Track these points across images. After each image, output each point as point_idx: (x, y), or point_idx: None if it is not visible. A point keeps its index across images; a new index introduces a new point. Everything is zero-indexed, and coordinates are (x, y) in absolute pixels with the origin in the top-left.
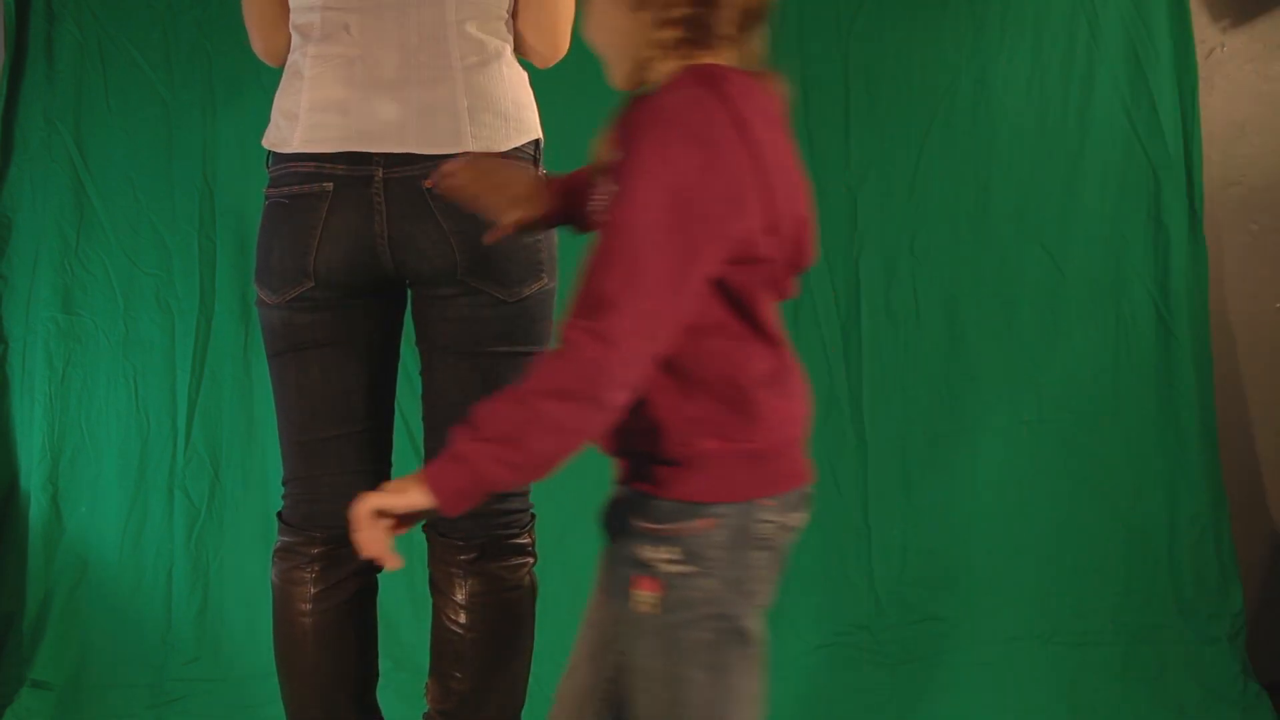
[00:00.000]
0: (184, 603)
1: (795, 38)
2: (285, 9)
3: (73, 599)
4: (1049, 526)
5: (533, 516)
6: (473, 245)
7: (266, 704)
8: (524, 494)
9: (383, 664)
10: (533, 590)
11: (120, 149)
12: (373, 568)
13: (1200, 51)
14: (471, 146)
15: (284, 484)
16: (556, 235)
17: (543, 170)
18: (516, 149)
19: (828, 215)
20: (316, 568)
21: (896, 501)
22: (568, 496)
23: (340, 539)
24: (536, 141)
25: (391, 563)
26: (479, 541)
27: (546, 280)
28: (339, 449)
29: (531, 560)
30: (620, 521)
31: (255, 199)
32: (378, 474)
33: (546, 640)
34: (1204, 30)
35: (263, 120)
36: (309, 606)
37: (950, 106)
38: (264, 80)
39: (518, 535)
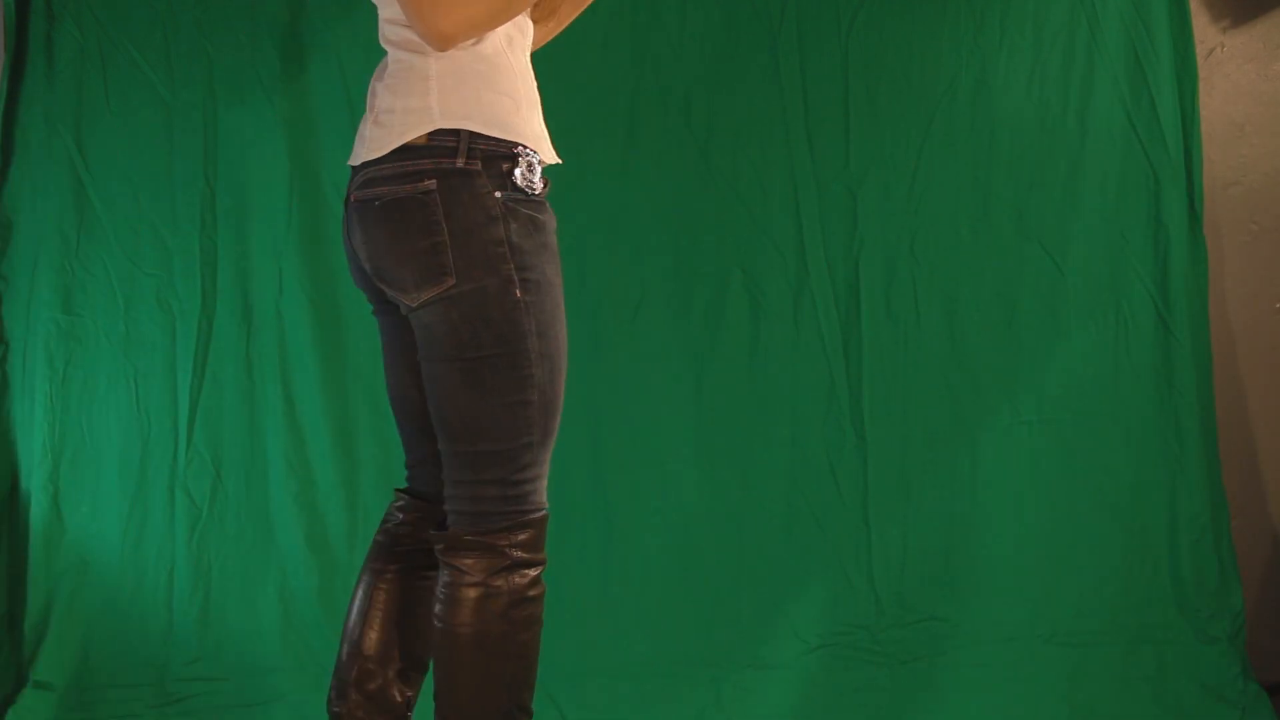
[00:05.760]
0: (185, 603)
1: (795, 37)
2: None
3: (74, 599)
4: (1049, 526)
5: (525, 522)
6: (373, 253)
7: (267, 702)
8: (503, 497)
9: None
10: (511, 594)
11: (120, 149)
12: (424, 564)
13: (1200, 51)
14: (364, 156)
15: None
16: (496, 233)
17: (465, 162)
18: (403, 147)
19: (828, 215)
20: (399, 531)
21: (896, 501)
22: (566, 497)
23: (424, 511)
24: (455, 132)
25: None
26: (448, 533)
27: (452, 282)
28: (416, 443)
29: (505, 562)
30: None
31: (256, 199)
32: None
33: (545, 639)
34: (1204, 30)
35: (262, 120)
36: (376, 562)
37: (950, 106)
38: (264, 80)
39: (488, 533)
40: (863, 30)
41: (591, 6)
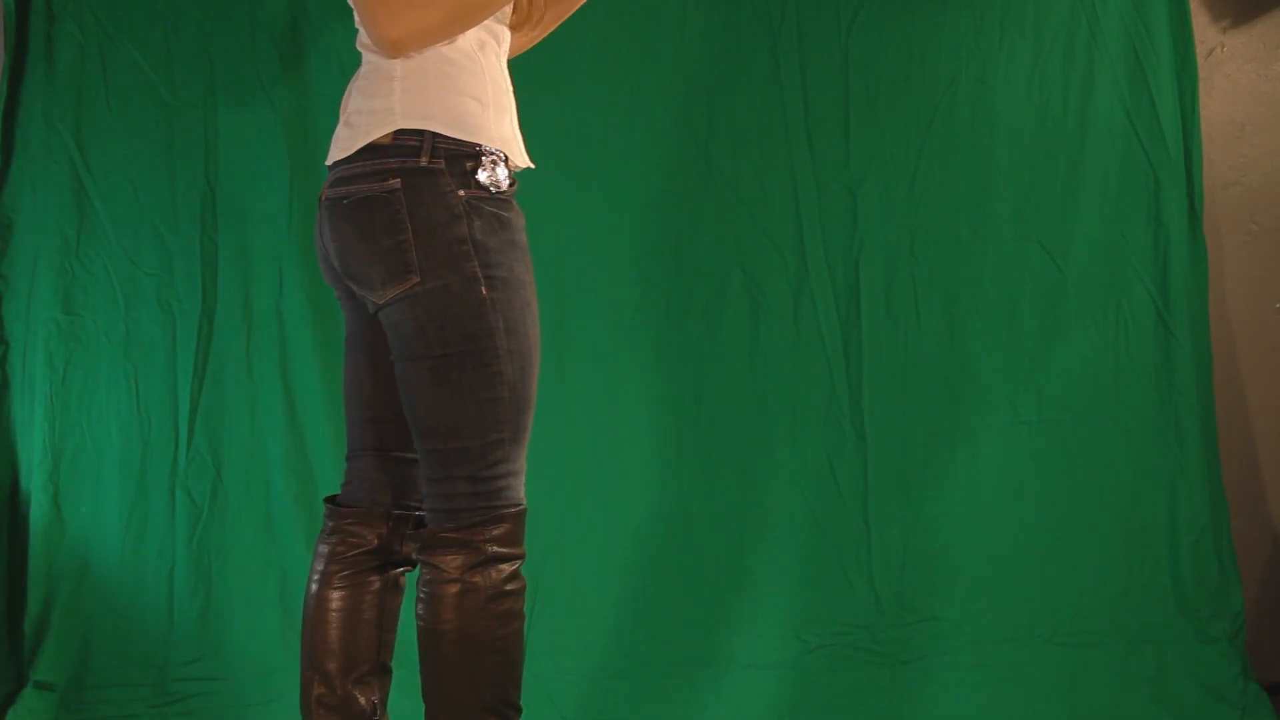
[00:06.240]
0: (186, 603)
1: (795, 37)
2: None
3: (74, 599)
4: (1049, 526)
5: (499, 517)
6: (341, 250)
7: (268, 702)
8: (474, 493)
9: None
10: (489, 589)
11: (120, 149)
12: (387, 555)
13: (1200, 51)
14: (335, 156)
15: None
16: (459, 231)
17: (428, 161)
18: (370, 146)
19: (828, 215)
20: (333, 540)
21: (896, 501)
22: (566, 497)
23: (353, 516)
24: (419, 132)
25: None
26: (423, 531)
27: (417, 280)
28: (360, 432)
29: (481, 557)
30: None
31: (257, 199)
32: (400, 459)
33: (545, 639)
34: (1204, 30)
35: (262, 120)
36: (316, 574)
37: (950, 106)
38: (265, 81)
39: (463, 529)
40: (863, 30)
41: (591, 6)
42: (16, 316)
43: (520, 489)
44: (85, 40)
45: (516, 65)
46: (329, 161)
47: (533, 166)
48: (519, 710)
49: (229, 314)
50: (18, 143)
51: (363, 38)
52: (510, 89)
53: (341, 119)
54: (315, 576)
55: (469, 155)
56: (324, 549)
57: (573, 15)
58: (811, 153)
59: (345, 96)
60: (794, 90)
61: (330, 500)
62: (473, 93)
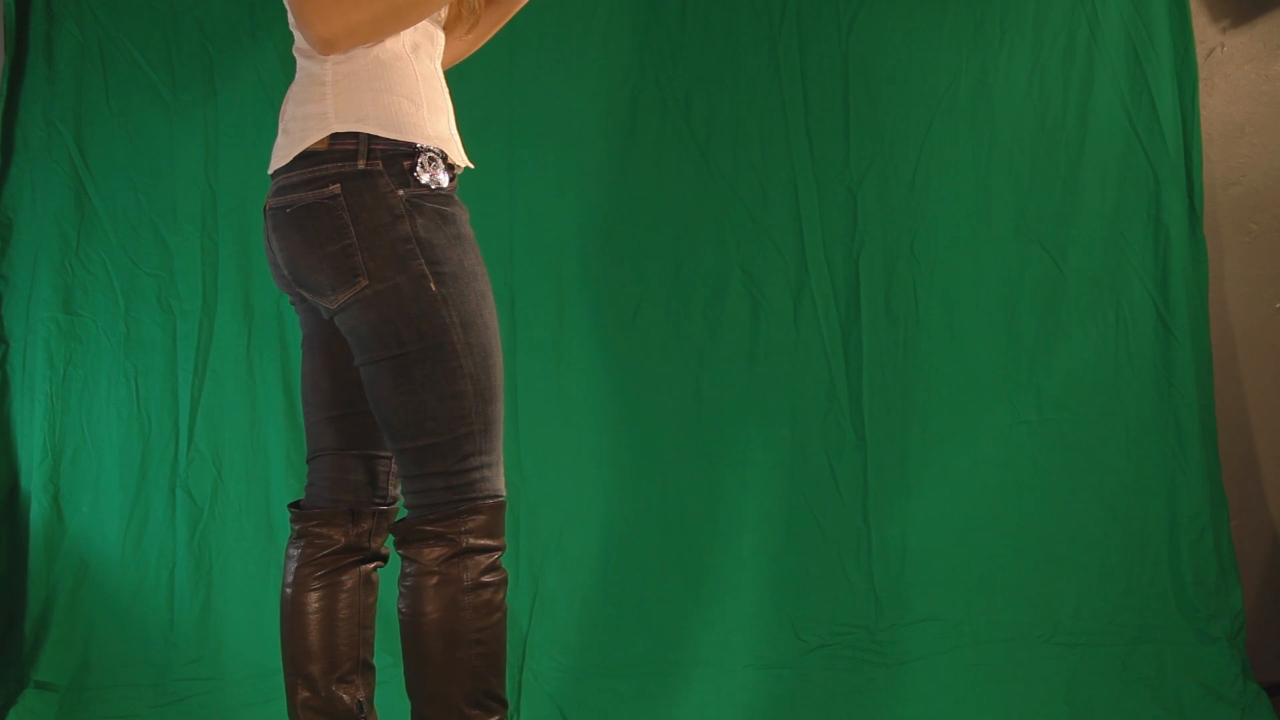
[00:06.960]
0: (186, 602)
1: (795, 37)
2: None
3: (75, 599)
4: (1049, 527)
5: (475, 509)
6: (290, 259)
7: (269, 702)
8: (449, 487)
9: (383, 659)
10: (468, 581)
11: (121, 149)
12: (357, 553)
13: (1200, 51)
14: (275, 164)
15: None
16: (402, 230)
17: (365, 164)
18: (307, 153)
19: (828, 215)
20: (301, 544)
21: (896, 501)
22: (566, 497)
23: (318, 518)
24: (354, 135)
25: None
26: (401, 524)
27: (366, 283)
28: (319, 433)
29: (458, 549)
30: None
31: (257, 199)
32: (361, 457)
33: (545, 638)
34: (1204, 30)
35: (263, 121)
36: (290, 579)
37: (950, 106)
38: (265, 81)
39: (439, 521)
40: (863, 30)
41: (591, 5)
42: (16, 316)
43: (498, 480)
44: (85, 40)
45: (516, 66)
46: (270, 170)
47: (472, 166)
48: (504, 703)
49: (229, 313)
50: (18, 143)
51: (298, 43)
52: (445, 90)
53: (280, 127)
54: (287, 581)
55: (406, 154)
56: (293, 553)
57: (574, 17)
58: (811, 153)
59: (283, 105)
60: (794, 90)
61: (293, 505)
62: (405, 93)
